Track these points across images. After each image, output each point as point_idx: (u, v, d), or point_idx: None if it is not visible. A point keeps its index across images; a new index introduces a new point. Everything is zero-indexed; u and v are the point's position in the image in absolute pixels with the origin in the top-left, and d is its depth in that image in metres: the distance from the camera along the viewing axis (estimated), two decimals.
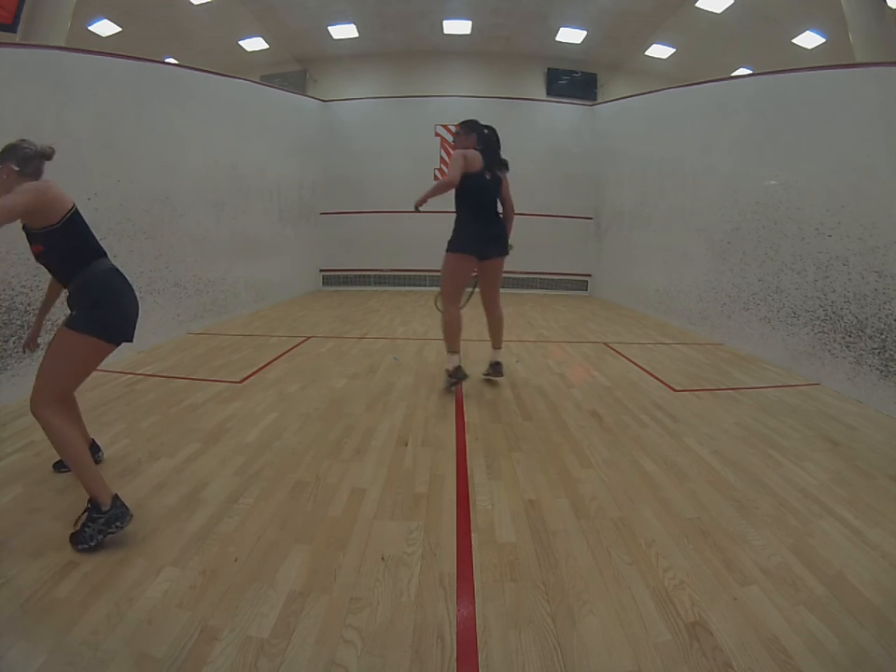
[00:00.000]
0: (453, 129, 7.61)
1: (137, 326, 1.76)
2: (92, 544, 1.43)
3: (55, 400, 1.61)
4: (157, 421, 2.44)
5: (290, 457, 2.08)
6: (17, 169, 1.55)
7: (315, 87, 8.14)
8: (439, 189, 2.72)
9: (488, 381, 3.14)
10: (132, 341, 1.73)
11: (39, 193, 1.50)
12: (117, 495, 1.52)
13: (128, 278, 1.78)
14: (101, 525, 1.44)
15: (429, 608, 1.26)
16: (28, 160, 1.58)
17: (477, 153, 2.77)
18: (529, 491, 1.84)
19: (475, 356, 3.64)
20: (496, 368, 3.08)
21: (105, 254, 1.73)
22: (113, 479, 1.85)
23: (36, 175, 1.61)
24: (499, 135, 2.91)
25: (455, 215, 2.89)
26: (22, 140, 1.59)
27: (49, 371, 1.62)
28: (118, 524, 1.47)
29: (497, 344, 3.12)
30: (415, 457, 2.10)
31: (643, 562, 1.44)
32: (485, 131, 2.86)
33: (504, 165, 2.89)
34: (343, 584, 1.33)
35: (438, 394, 2.92)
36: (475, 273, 2.92)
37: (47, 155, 1.63)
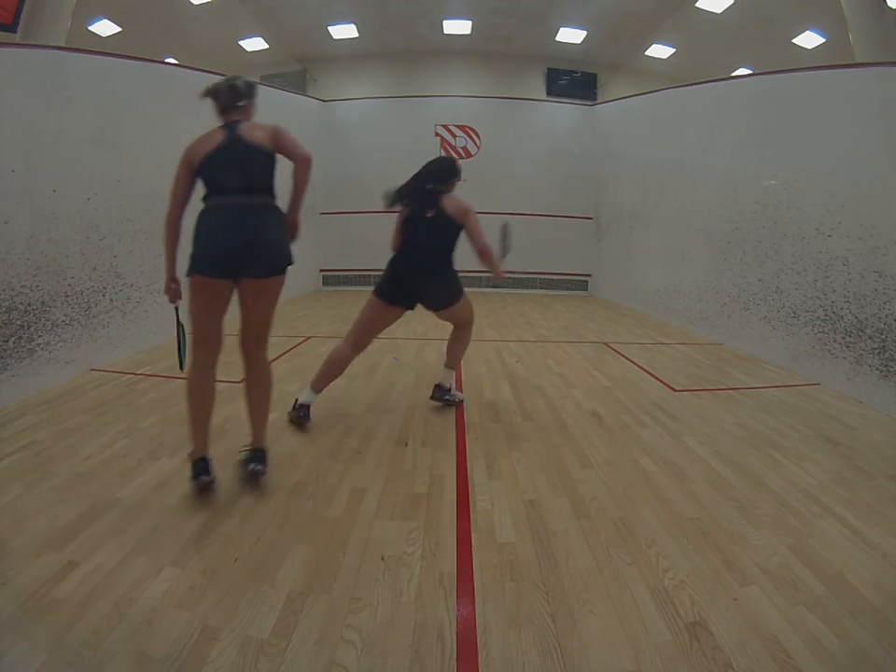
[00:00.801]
0: (453, 129, 7.55)
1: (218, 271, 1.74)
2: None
3: (198, 346, 1.79)
4: (157, 421, 2.44)
5: (290, 457, 2.08)
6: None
7: (314, 87, 8.14)
8: None
9: (488, 380, 3.13)
10: (213, 276, 1.72)
11: (181, 161, 1.74)
12: (203, 458, 1.72)
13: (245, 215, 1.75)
14: (191, 472, 1.70)
15: (429, 608, 1.26)
16: (216, 95, 1.77)
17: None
18: (529, 491, 1.84)
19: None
20: None
21: (224, 190, 1.72)
22: (113, 479, 1.85)
23: (227, 107, 1.77)
24: (437, 162, 2.50)
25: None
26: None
27: None
28: (195, 480, 1.68)
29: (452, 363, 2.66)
30: (415, 457, 2.10)
31: (643, 562, 1.44)
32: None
33: (423, 197, 2.40)
34: (343, 584, 1.33)
35: None
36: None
37: (220, 88, 1.76)
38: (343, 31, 7.41)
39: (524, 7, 6.72)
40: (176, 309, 1.95)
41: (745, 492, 1.86)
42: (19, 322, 2.83)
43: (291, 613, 1.22)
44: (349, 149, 7.67)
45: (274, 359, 3.61)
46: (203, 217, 1.73)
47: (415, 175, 2.47)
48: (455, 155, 7.65)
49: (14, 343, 2.78)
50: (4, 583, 1.29)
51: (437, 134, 7.71)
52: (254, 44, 7.75)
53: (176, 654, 1.09)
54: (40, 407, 2.59)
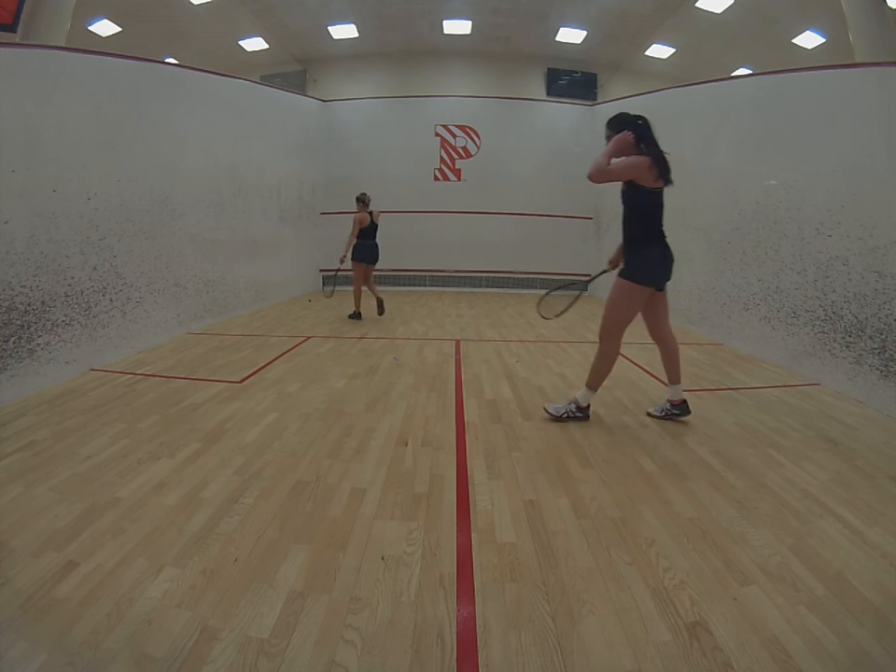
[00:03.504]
0: (453, 129, 7.69)
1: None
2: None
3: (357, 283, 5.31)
4: (157, 421, 2.44)
5: (290, 457, 2.08)
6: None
7: (314, 87, 8.14)
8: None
9: (488, 380, 3.13)
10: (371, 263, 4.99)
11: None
12: (359, 312, 4.94)
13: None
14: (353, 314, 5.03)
15: (429, 608, 1.26)
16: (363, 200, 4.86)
17: None
18: (529, 491, 1.84)
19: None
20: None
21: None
22: (113, 479, 1.85)
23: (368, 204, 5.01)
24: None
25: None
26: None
27: None
28: (353, 316, 5.03)
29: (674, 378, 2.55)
30: (415, 457, 2.10)
31: (643, 562, 1.44)
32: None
33: None
34: (343, 584, 1.33)
35: (438, 394, 2.92)
36: None
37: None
38: (343, 31, 7.42)
39: (524, 7, 6.73)
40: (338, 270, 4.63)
41: (745, 492, 1.86)
42: (19, 322, 2.83)
43: (291, 613, 1.22)
44: (349, 149, 7.68)
45: (274, 359, 3.62)
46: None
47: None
48: (454, 155, 7.69)
49: (14, 343, 2.78)
50: (4, 583, 1.29)
51: (437, 134, 7.71)
52: (254, 44, 7.75)
53: (176, 654, 1.09)
54: (40, 407, 2.59)
